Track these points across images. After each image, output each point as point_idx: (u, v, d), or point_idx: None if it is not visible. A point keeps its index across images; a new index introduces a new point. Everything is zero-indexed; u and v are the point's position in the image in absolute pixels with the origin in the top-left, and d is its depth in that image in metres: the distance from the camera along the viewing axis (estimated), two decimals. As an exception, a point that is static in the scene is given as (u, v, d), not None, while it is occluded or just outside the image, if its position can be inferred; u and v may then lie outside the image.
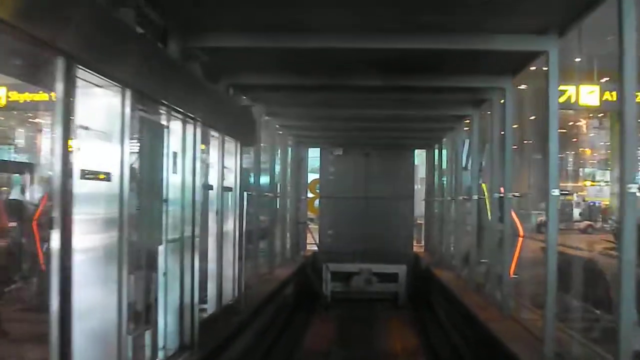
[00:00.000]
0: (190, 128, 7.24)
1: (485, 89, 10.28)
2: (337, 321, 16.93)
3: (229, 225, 9.46)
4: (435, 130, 16.52)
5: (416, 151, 21.39)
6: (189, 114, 7.09)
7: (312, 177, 21.94)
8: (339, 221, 20.09)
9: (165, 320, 6.81)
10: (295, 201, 18.75)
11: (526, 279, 11.76)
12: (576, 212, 47.67)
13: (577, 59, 15.50)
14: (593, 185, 49.41)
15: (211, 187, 8.55)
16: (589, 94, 16.36)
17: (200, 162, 7.75)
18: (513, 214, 12.43)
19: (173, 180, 6.98)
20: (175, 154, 6.98)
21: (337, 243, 19.84)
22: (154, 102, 6.09)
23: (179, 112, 6.83)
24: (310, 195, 21.99)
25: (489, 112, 12.36)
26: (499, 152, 10.59)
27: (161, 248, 6.74)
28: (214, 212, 8.77)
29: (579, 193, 52.39)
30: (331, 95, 11.78)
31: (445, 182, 16.72)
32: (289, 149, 18.29)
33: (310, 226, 21.30)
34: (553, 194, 7.07)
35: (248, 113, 10.31)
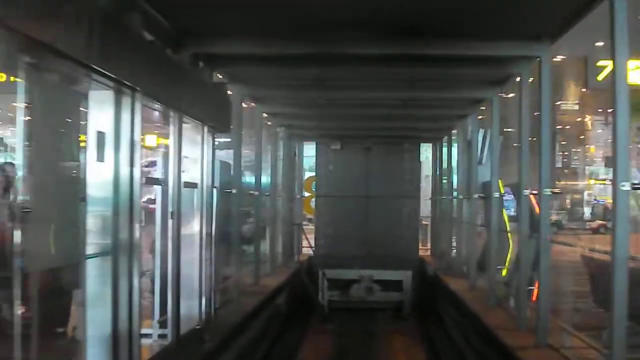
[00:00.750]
0: (126, 101, 5.36)
1: (513, 60, 8.35)
2: (334, 335, 15.15)
3: (192, 229, 7.57)
4: (444, 119, 14.61)
5: (420, 147, 19.42)
6: (124, 82, 5.20)
7: (309, 175, 20.06)
8: (337, 222, 18.19)
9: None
10: (289, 200, 16.84)
11: (558, 292, 9.95)
12: (587, 211, 46.13)
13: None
14: (597, 183, 48.06)
15: (160, 182, 6.68)
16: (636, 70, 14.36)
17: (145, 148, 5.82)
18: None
19: (99, 171, 5.10)
20: (101, 135, 5.09)
21: (335, 247, 17.94)
22: (58, 56, 4.18)
23: (107, 76, 4.93)
24: (306, 194, 20.16)
25: (511, 95, 10.54)
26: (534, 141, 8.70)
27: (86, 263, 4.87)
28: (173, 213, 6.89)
29: (588, 191, 51.02)
30: (325, 74, 9.91)
31: (456, 178, 14.76)
32: (281, 143, 16.39)
33: (309, 227, 19.45)
34: (622, 188, 5.15)
35: (220, 92, 8.42)
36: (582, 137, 55.95)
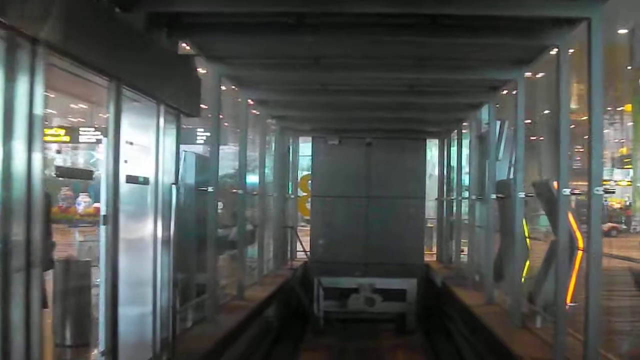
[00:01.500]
0: (23, 57, 3.73)
1: (549, 27, 6.69)
2: (331, 351, 13.56)
3: (142, 234, 5.93)
4: (454, 109, 12.97)
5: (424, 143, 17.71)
6: (18, 28, 3.58)
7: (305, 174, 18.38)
8: (334, 225, 16.53)
9: None
10: (281, 201, 15.19)
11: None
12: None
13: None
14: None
15: (88, 175, 5.05)
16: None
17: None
18: (571, 219, 9.14)
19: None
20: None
21: (332, 252, 16.28)
22: None
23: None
24: (302, 194, 18.53)
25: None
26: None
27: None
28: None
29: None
30: (320, 48, 8.29)
31: (470, 176, 13.10)
32: (272, 137, 14.77)
33: (306, 229, 17.77)
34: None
35: (186, 67, 6.78)
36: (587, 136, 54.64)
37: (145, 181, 5.77)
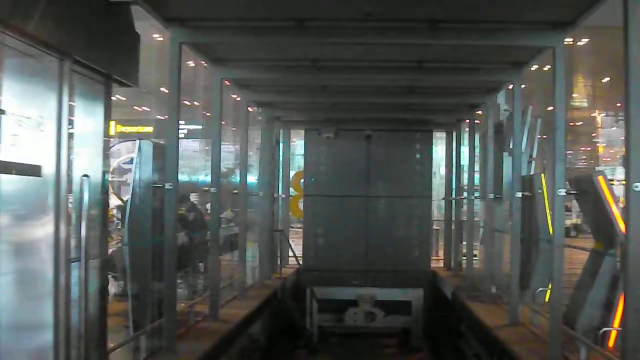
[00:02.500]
0: None
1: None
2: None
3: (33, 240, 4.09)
4: (468, 92, 11.14)
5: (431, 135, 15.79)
6: None
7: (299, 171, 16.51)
8: (329, 228, 14.72)
9: None
10: (269, 200, 13.32)
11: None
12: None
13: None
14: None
15: None
16: None
17: None
18: (620, 222, 7.49)
19: None
20: None
21: (327, 258, 14.47)
22: None
23: None
24: (295, 193, 16.73)
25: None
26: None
27: None
28: None
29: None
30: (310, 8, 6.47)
31: (486, 172, 11.21)
32: (260, 131, 12.94)
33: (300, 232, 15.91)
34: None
35: (115, 15, 4.93)
36: (594, 134, 53.12)
37: (33, 171, 3.90)
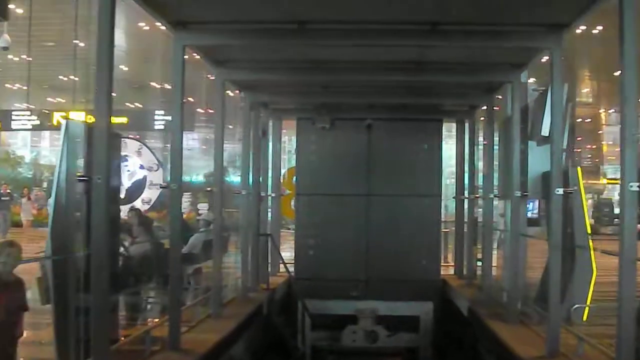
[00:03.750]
0: None
1: None
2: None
3: None
4: (486, 70, 9.27)
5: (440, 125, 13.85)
6: None
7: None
8: (325, 231, 12.89)
9: None
10: (254, 200, 11.46)
11: None
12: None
13: None
14: (610, 183, 43.25)
15: None
16: None
17: None
18: None
19: None
20: None
21: (322, 266, 12.66)
22: None
23: None
24: (287, 192, 14.91)
25: None
26: None
27: None
28: None
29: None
30: None
31: (510, 166, 9.29)
32: (245, 118, 11.07)
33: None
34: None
35: None
36: (600, 132, 51.33)
37: None
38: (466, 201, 13.34)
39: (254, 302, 10.50)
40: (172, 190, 7.02)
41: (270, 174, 13.37)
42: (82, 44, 22.75)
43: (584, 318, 8.83)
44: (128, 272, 8.09)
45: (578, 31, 7.64)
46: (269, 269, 12.68)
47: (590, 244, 8.93)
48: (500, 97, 10.56)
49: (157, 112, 20.18)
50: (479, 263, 11.75)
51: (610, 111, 47.75)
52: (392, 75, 9.05)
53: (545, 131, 8.64)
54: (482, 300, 10.37)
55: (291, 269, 12.79)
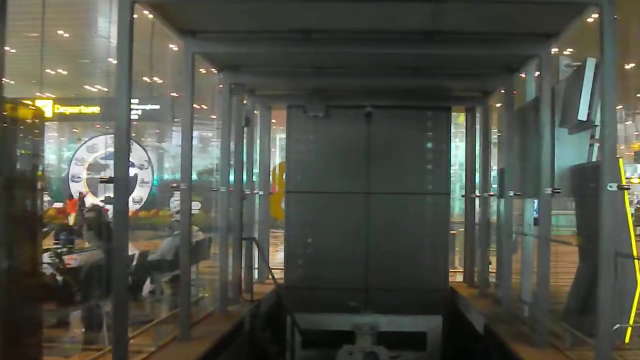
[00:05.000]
0: None
1: None
2: None
3: None
4: (510, 39, 7.71)
5: (448, 114, 12.26)
6: None
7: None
8: (318, 234, 11.42)
9: None
10: (237, 199, 9.92)
11: None
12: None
13: None
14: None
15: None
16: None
17: None
18: None
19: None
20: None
21: (315, 275, 11.19)
22: None
23: None
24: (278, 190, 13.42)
25: None
26: None
27: None
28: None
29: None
30: None
31: (538, 159, 7.69)
32: (224, 103, 9.50)
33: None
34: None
35: None
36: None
37: None
38: (476, 200, 11.86)
39: (234, 317, 8.98)
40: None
41: (257, 169, 11.90)
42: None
43: (626, 340, 7.39)
44: (69, 285, 6.57)
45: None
46: (256, 277, 11.22)
47: (634, 248, 7.49)
48: (523, 75, 9.04)
49: (132, 100, 18.59)
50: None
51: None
52: (399, 46, 7.49)
53: (582, 115, 7.13)
54: (500, 316, 8.87)
55: (281, 275, 11.33)
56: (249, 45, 7.54)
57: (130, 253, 7.84)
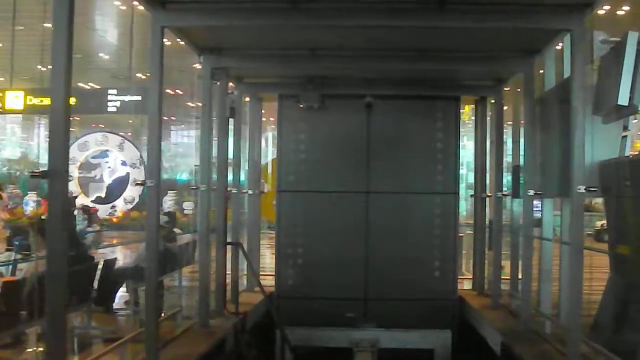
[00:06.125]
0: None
1: None
2: None
3: None
4: (532, 12, 6.55)
5: (457, 104, 11.10)
6: None
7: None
8: (313, 238, 10.31)
9: None
10: (220, 198, 8.78)
11: None
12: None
13: None
14: None
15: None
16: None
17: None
18: None
19: None
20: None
21: (309, 284, 10.09)
22: None
23: None
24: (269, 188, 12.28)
25: None
26: None
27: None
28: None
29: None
30: None
31: (575, 153, 6.50)
32: (204, 90, 8.36)
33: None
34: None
35: None
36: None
37: None
38: (487, 200, 10.76)
39: (215, 333, 7.85)
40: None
41: (246, 166, 10.80)
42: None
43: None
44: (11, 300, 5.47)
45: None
46: (245, 285, 10.13)
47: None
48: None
49: (110, 91, 17.38)
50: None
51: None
52: (404, 17, 6.34)
53: (623, 99, 6.01)
54: (519, 332, 7.75)
55: (271, 282, 10.26)
56: (228, 17, 6.39)
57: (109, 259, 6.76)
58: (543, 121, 8.09)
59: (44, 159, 4.41)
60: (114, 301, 9.23)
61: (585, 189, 6.19)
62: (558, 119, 7.48)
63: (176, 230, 12.26)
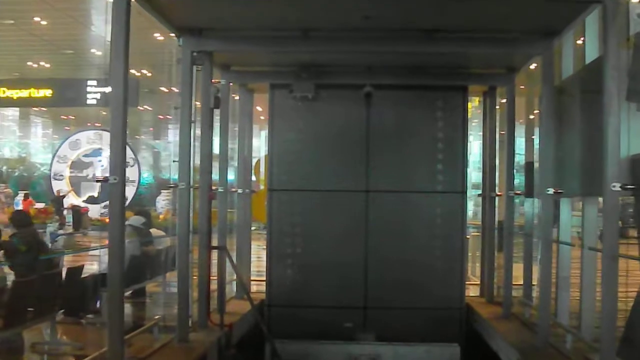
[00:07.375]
0: None
1: None
2: None
3: None
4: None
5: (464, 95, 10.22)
6: None
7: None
8: (307, 241, 9.49)
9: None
10: (202, 199, 7.91)
11: None
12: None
13: None
14: None
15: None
16: None
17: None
18: None
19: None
20: None
21: (303, 291, 9.25)
22: None
23: None
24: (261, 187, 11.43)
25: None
26: None
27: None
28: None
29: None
30: None
31: (609, 147, 5.62)
32: (182, 77, 7.48)
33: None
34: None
35: None
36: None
37: None
38: (496, 200, 9.93)
39: (195, 350, 6.99)
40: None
41: (236, 163, 9.98)
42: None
43: None
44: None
45: None
46: (235, 292, 9.31)
47: None
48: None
49: (89, 82, 16.42)
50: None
51: None
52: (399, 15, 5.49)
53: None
54: (538, 349, 6.90)
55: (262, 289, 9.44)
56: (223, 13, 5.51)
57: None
58: (562, 112, 7.24)
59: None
60: (87, 312, 8.36)
61: (620, 187, 5.32)
62: (583, 108, 6.63)
63: (158, 231, 11.40)
